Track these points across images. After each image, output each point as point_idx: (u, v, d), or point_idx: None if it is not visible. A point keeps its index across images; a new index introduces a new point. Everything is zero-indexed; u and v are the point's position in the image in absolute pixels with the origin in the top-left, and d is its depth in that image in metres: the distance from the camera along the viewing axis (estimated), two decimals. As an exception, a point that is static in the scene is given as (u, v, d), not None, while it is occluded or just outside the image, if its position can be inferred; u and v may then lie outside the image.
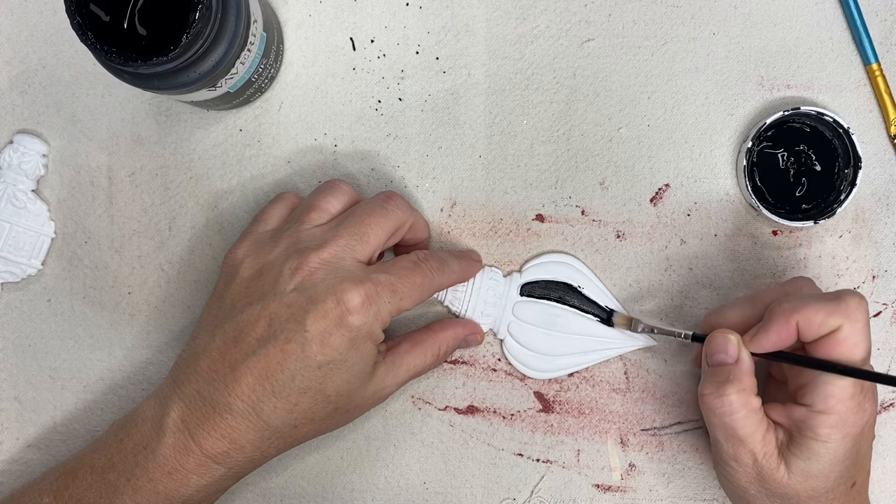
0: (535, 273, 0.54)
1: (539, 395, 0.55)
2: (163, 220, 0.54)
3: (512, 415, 0.54)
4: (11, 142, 0.53)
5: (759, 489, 0.46)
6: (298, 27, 0.54)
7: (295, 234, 0.47)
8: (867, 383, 0.45)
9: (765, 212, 0.52)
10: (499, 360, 0.55)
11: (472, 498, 0.54)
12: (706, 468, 0.55)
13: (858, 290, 0.54)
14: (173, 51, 0.40)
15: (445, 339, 0.51)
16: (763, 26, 0.54)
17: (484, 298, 0.53)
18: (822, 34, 0.54)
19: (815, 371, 0.45)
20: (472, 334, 0.53)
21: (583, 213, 0.55)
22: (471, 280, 0.53)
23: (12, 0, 0.54)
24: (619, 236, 0.55)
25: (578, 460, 0.54)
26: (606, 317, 0.54)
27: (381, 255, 0.50)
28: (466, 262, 0.52)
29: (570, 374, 0.54)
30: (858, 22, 0.54)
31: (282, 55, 0.54)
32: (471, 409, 0.55)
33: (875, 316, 0.54)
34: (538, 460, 0.54)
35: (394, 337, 0.51)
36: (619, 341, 0.54)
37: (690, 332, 0.50)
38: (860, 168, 0.52)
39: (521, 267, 0.54)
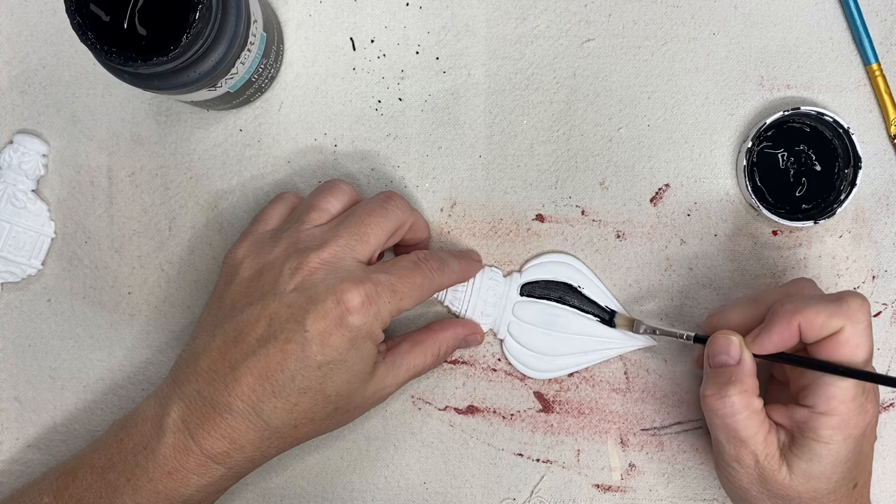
0: (535, 273, 0.54)
1: (539, 395, 0.55)
2: (163, 220, 0.54)
3: (512, 415, 0.55)
4: (11, 142, 0.53)
5: (760, 490, 0.46)
6: (298, 27, 0.54)
7: (295, 234, 0.47)
8: (869, 385, 0.45)
9: (765, 212, 0.52)
10: (499, 360, 0.55)
11: (472, 498, 0.54)
12: (706, 468, 0.55)
13: (858, 290, 0.54)
14: (173, 51, 0.40)
15: (445, 339, 0.51)
16: (763, 26, 0.54)
17: (484, 298, 0.53)
18: (822, 34, 0.54)
19: (817, 372, 0.45)
20: (472, 334, 0.53)
21: (583, 213, 0.55)
22: (471, 280, 0.53)
23: (12, 0, 0.54)
24: (619, 236, 0.55)
25: (578, 460, 0.54)
26: (606, 317, 0.54)
27: (381, 255, 0.50)
28: (466, 262, 0.52)
29: (570, 374, 0.54)
30: (858, 22, 0.54)
31: (282, 55, 0.54)
32: (471, 409, 0.55)
33: (875, 316, 0.54)
34: (538, 460, 0.54)
35: (394, 337, 0.51)
36: (619, 341, 0.54)
37: (692, 334, 0.50)
38: (860, 168, 0.52)
39: (521, 267, 0.54)
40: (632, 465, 0.54)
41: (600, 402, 0.55)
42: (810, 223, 0.52)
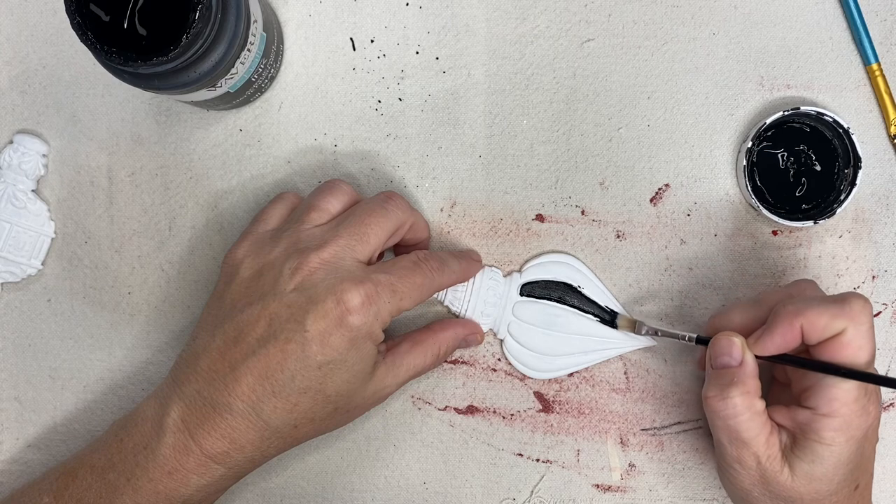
0: (535, 273, 0.54)
1: (539, 395, 0.55)
2: (163, 220, 0.54)
3: (512, 415, 0.54)
4: (11, 142, 0.53)
5: (762, 492, 0.46)
6: (298, 27, 0.54)
7: (295, 234, 0.47)
8: (871, 386, 0.45)
9: (765, 212, 0.52)
10: (499, 360, 0.55)
11: (472, 498, 0.54)
12: (706, 468, 0.55)
13: (858, 290, 0.54)
14: (173, 51, 0.40)
15: (445, 339, 0.51)
16: (763, 26, 0.54)
17: (484, 298, 0.53)
18: (822, 34, 0.54)
19: (820, 374, 0.45)
20: (472, 334, 0.53)
21: (583, 213, 0.55)
22: (471, 280, 0.53)
23: (12, 0, 0.54)
24: (619, 236, 0.55)
25: (578, 460, 0.54)
26: (606, 317, 0.54)
27: (381, 255, 0.50)
28: (466, 262, 0.52)
29: (570, 374, 0.54)
30: (858, 22, 0.54)
31: (282, 55, 0.54)
32: (471, 409, 0.55)
33: (875, 316, 0.54)
34: (538, 460, 0.54)
35: (394, 337, 0.51)
36: (620, 341, 0.54)
37: (694, 335, 0.49)
38: (860, 168, 0.52)
39: (521, 267, 0.54)
40: (632, 465, 0.54)
41: (600, 402, 0.55)
42: (810, 223, 0.52)
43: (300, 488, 0.54)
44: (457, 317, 0.54)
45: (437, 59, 0.54)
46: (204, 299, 0.54)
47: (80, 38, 0.40)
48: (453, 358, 0.55)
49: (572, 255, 0.54)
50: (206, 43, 0.42)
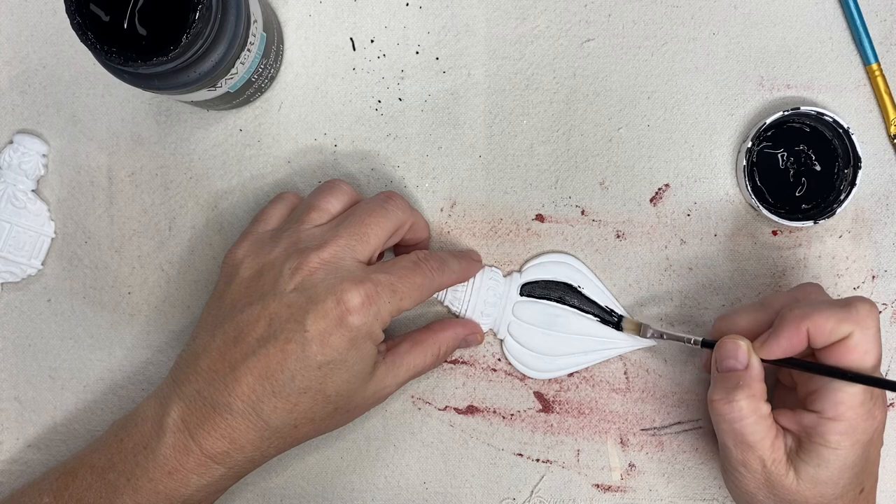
0: (535, 273, 0.54)
1: (539, 395, 0.55)
2: (163, 220, 0.54)
3: (512, 415, 0.54)
4: (11, 142, 0.53)
5: (767, 495, 0.46)
6: (298, 27, 0.54)
7: (295, 234, 0.47)
8: (877, 390, 0.45)
9: (765, 212, 0.52)
10: (499, 360, 0.55)
11: (472, 498, 0.54)
12: (706, 468, 0.55)
13: (858, 290, 0.54)
14: (173, 51, 0.40)
15: (445, 339, 0.51)
16: (763, 26, 0.54)
17: (484, 298, 0.53)
18: (822, 34, 0.54)
19: (825, 378, 0.45)
20: (472, 334, 0.53)
21: (583, 213, 0.55)
22: (471, 280, 0.53)
23: (12, 0, 0.54)
24: (619, 236, 0.55)
25: (578, 460, 0.54)
26: (606, 317, 0.54)
27: (381, 255, 0.50)
28: (466, 262, 0.52)
29: (570, 374, 0.54)
30: (858, 22, 0.54)
31: (282, 55, 0.54)
32: (471, 409, 0.55)
33: (875, 316, 0.54)
34: (538, 460, 0.54)
35: (394, 337, 0.51)
36: (619, 341, 0.54)
37: (700, 338, 0.49)
38: (860, 168, 0.52)
39: (521, 267, 0.54)
40: (632, 465, 0.54)
41: (600, 402, 0.55)
42: (810, 223, 0.52)
43: (300, 488, 0.54)
44: (457, 317, 0.54)
45: (437, 59, 0.54)
46: (204, 299, 0.54)
47: (80, 38, 0.40)
48: (453, 358, 0.55)
49: (572, 255, 0.54)
50: (206, 43, 0.42)
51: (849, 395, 0.44)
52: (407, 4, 0.54)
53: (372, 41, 0.54)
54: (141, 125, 0.54)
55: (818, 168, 0.53)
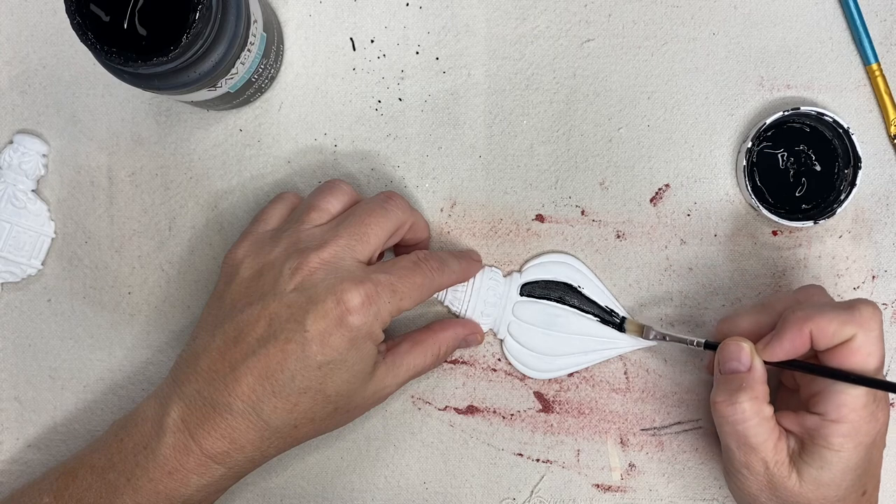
0: (535, 273, 0.54)
1: (539, 395, 0.55)
2: (163, 220, 0.54)
3: (512, 415, 0.54)
4: (11, 142, 0.53)
5: (769, 497, 0.46)
6: (298, 27, 0.54)
7: (295, 234, 0.47)
8: (880, 392, 0.45)
9: (765, 212, 0.52)
10: (499, 360, 0.55)
11: (472, 498, 0.54)
12: (706, 468, 0.55)
13: (858, 290, 0.54)
14: (173, 51, 0.40)
15: (445, 339, 0.51)
16: (763, 26, 0.54)
17: (484, 298, 0.53)
18: (822, 34, 0.54)
19: (828, 380, 0.45)
20: (472, 334, 0.53)
21: (583, 213, 0.55)
22: (471, 280, 0.53)
23: (12, 0, 0.54)
24: (619, 236, 0.55)
25: (578, 460, 0.54)
26: (606, 317, 0.54)
27: (381, 255, 0.50)
28: (466, 262, 0.52)
29: (570, 374, 0.54)
30: (858, 22, 0.54)
31: (282, 55, 0.54)
32: (471, 409, 0.55)
33: (875, 316, 0.54)
34: (538, 460, 0.54)
35: (394, 337, 0.51)
36: (619, 341, 0.54)
37: (703, 340, 0.49)
38: (860, 168, 0.52)
39: (521, 267, 0.54)
40: (632, 465, 0.54)
41: (600, 402, 0.55)
42: (810, 223, 0.52)
43: (300, 488, 0.54)
44: (457, 317, 0.54)
45: (437, 59, 0.54)
46: (204, 299, 0.54)
47: (80, 38, 0.40)
48: (453, 358, 0.55)
49: (572, 255, 0.54)
50: (206, 43, 0.42)
51: (851, 398, 0.44)
52: (407, 4, 0.54)
53: (372, 41, 0.54)
54: (141, 125, 0.54)
55: (818, 168, 0.53)
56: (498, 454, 0.54)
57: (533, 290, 0.54)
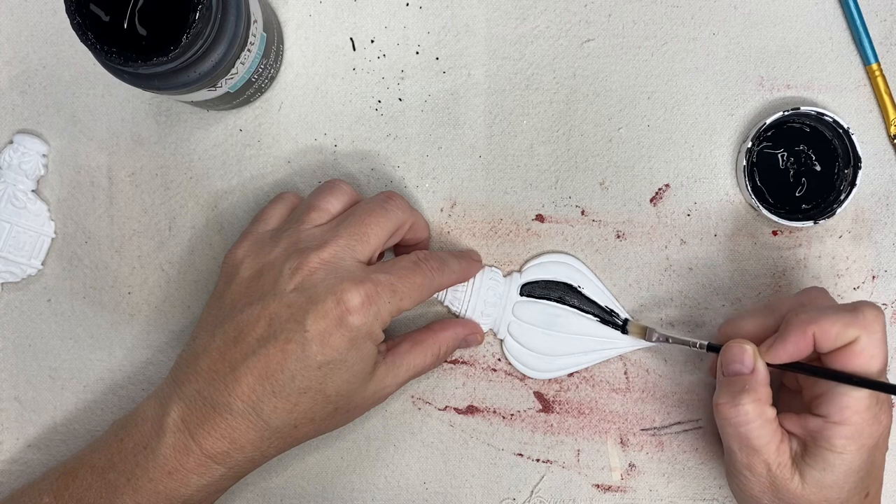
0: (535, 273, 0.54)
1: (539, 395, 0.55)
2: (163, 220, 0.54)
3: (512, 415, 0.54)
4: (11, 142, 0.53)
5: (772, 499, 0.46)
6: (298, 27, 0.54)
7: (295, 234, 0.47)
8: (883, 395, 0.45)
9: (765, 212, 0.52)
10: (499, 360, 0.55)
11: (472, 498, 0.54)
12: (706, 468, 0.55)
13: (858, 290, 0.54)
14: (173, 51, 0.40)
15: (445, 339, 0.51)
16: (763, 26, 0.54)
17: (484, 298, 0.53)
18: (822, 34, 0.54)
19: (831, 382, 0.45)
20: (472, 334, 0.53)
21: (583, 213, 0.55)
22: (471, 280, 0.53)
23: (12, 0, 0.54)
24: (619, 236, 0.55)
25: (578, 460, 0.54)
26: (606, 317, 0.54)
27: (381, 255, 0.50)
28: (466, 262, 0.52)
29: (570, 374, 0.54)
30: (858, 22, 0.54)
31: (282, 55, 0.54)
32: (471, 409, 0.55)
33: (875, 316, 0.54)
34: (538, 460, 0.54)
35: (394, 337, 0.51)
36: (619, 341, 0.54)
37: (706, 342, 0.49)
38: (860, 168, 0.52)
39: (521, 267, 0.54)
40: (632, 465, 0.54)
41: (600, 402, 0.55)
42: (810, 223, 0.52)
43: (300, 488, 0.54)
44: (457, 317, 0.54)
45: (437, 59, 0.54)
46: (204, 299, 0.54)
47: (80, 38, 0.40)
48: (453, 358, 0.55)
49: (572, 255, 0.54)
50: (206, 43, 0.42)
51: (854, 400, 0.44)
52: (407, 4, 0.54)
53: (372, 41, 0.54)
54: (141, 125, 0.54)
55: (818, 168, 0.53)
56: (498, 454, 0.54)
57: (533, 290, 0.54)
